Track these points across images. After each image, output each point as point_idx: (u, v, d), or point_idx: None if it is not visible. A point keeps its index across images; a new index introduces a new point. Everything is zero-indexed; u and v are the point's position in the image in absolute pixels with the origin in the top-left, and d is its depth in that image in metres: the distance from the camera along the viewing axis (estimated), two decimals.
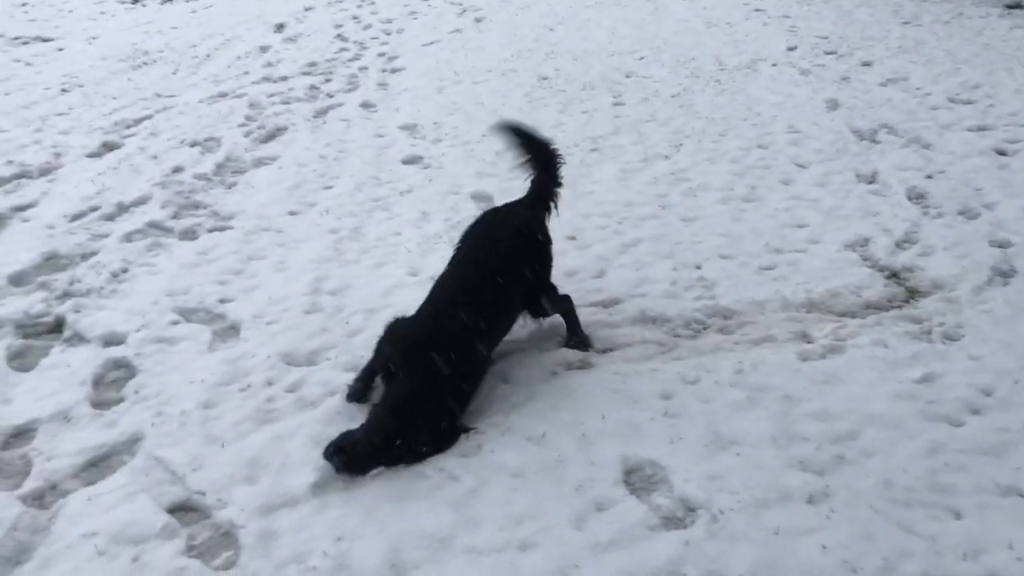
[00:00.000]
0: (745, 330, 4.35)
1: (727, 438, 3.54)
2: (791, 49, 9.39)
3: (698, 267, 4.95)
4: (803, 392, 3.81)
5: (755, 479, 3.30)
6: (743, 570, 2.89)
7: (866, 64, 8.78)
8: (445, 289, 3.98)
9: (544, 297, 4.21)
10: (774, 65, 8.85)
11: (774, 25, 10.39)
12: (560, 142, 6.88)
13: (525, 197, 4.43)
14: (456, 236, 5.45)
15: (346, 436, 3.44)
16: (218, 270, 5.22)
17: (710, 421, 3.64)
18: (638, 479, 3.39)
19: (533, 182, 4.43)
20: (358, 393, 3.88)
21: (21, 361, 4.35)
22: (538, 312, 4.21)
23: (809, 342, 4.22)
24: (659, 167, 6.42)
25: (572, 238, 5.38)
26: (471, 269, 4.04)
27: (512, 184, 6.19)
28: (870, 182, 6.07)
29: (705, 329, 4.40)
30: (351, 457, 3.37)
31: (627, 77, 8.68)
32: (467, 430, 3.63)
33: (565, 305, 4.31)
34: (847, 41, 9.59)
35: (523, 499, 3.26)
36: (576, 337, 4.28)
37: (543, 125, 7.34)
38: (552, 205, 4.42)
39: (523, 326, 4.34)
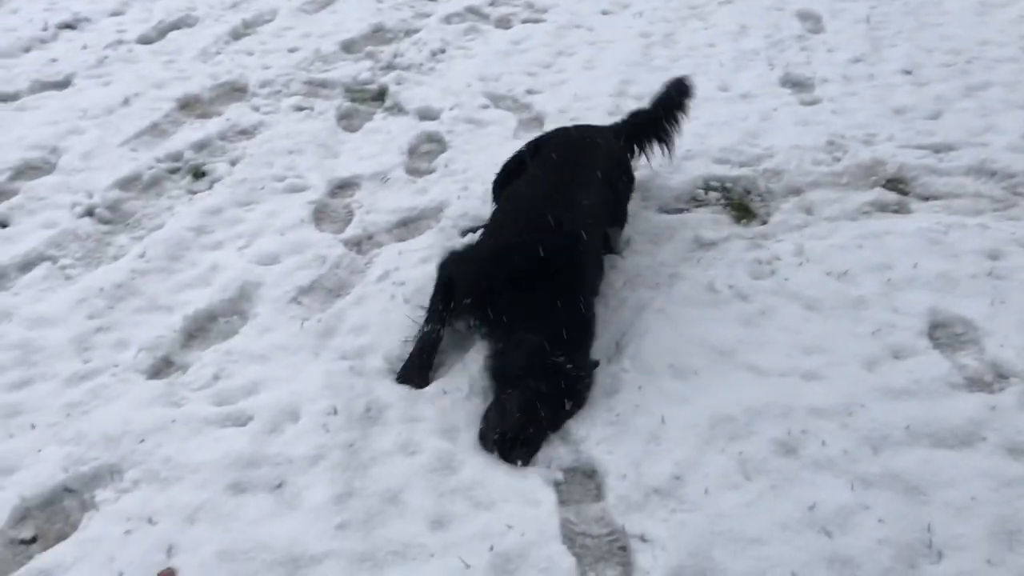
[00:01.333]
0: None
1: None
2: None
3: None
4: None
5: None
6: None
7: None
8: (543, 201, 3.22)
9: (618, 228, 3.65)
10: None
11: None
12: None
13: (615, 126, 3.94)
14: (776, 55, 5.16)
15: (499, 417, 2.71)
16: (528, 61, 5.27)
17: None
18: (945, 335, 3.13)
19: (635, 115, 3.98)
20: (434, 337, 3.05)
21: (348, 122, 4.71)
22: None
23: None
24: None
25: (907, 72, 4.85)
26: (569, 179, 3.33)
27: (843, 5, 5.66)
28: None
29: None
30: (526, 440, 2.67)
31: None
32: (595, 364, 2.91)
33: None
34: None
35: (814, 331, 3.13)
36: None
37: None
38: (640, 147, 3.92)
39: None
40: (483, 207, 3.88)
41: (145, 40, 5.54)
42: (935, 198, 3.88)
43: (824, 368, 2.96)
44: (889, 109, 4.51)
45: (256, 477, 2.58)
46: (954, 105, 4.49)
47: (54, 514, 2.51)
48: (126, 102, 4.72)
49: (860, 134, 4.31)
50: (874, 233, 3.63)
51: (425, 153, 4.42)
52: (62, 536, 2.43)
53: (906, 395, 2.84)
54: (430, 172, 4.23)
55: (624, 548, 2.41)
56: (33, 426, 2.74)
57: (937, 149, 4.16)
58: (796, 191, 3.97)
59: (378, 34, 5.66)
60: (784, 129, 4.43)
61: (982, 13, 5.44)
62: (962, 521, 2.42)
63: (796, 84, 4.95)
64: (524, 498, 2.51)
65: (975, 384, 2.90)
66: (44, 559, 2.35)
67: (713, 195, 3.98)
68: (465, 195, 3.98)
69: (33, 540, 2.43)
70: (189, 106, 4.79)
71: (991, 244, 3.48)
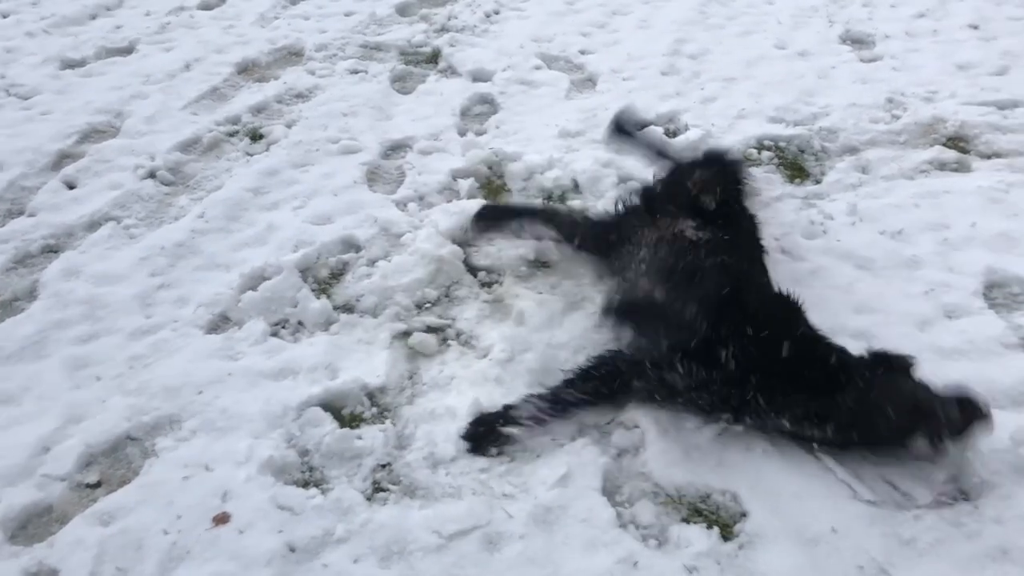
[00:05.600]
0: None
1: None
2: None
3: None
4: None
5: None
6: None
7: None
8: None
9: None
10: None
11: None
12: None
13: None
14: (836, 11, 5.03)
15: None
16: (582, 21, 5.23)
17: None
18: (1002, 295, 3.06)
19: None
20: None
21: (402, 84, 4.74)
22: None
23: None
24: None
25: (974, 27, 4.69)
26: None
27: None
28: None
29: None
30: None
31: None
32: None
33: None
34: None
35: (865, 290, 3.09)
36: None
37: None
38: None
39: None
40: None
41: (206, 6, 5.64)
42: (998, 156, 3.77)
43: (875, 327, 2.93)
44: (953, 65, 4.39)
45: None
46: (1022, 60, 4.33)
47: (117, 460, 2.63)
48: (187, 67, 4.82)
49: (921, 91, 4.20)
50: (932, 192, 3.55)
51: (477, 115, 4.44)
52: (125, 481, 2.55)
53: (958, 355, 2.81)
54: (481, 134, 4.24)
55: None
56: (98, 378, 2.86)
57: (1002, 106, 4.03)
58: (852, 150, 3.90)
59: None
60: (842, 87, 4.34)
61: None
62: None
63: (856, 41, 4.83)
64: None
65: None
66: (108, 502, 2.46)
67: (766, 154, 3.93)
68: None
69: (98, 484, 2.56)
70: (247, 70, 4.88)
71: None
